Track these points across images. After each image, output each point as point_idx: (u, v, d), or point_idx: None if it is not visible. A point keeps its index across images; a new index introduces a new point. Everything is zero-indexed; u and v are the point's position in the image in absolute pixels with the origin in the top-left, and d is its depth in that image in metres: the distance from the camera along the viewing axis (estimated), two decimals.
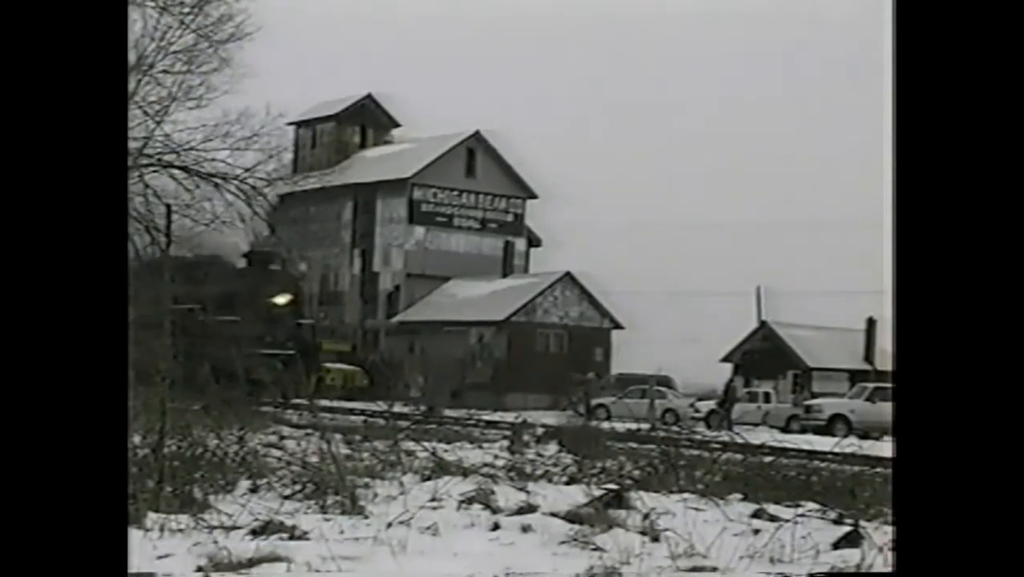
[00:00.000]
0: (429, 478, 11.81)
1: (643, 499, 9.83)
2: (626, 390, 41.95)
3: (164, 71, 19.42)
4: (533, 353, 48.26)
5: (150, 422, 10.72)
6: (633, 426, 26.26)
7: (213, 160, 19.89)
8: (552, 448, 16.55)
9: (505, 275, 52.03)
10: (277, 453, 13.37)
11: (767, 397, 42.39)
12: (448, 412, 28.46)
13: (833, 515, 9.61)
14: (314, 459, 11.68)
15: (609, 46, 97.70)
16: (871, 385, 37.33)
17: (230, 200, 20.22)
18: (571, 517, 9.10)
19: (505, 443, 17.21)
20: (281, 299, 40.55)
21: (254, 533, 8.23)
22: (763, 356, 49.91)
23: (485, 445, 17.13)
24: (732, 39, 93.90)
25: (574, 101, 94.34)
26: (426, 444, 14.94)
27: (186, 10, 19.22)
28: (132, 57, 17.99)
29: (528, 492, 10.31)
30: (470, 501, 9.83)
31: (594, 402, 40.77)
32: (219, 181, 20.04)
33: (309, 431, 14.51)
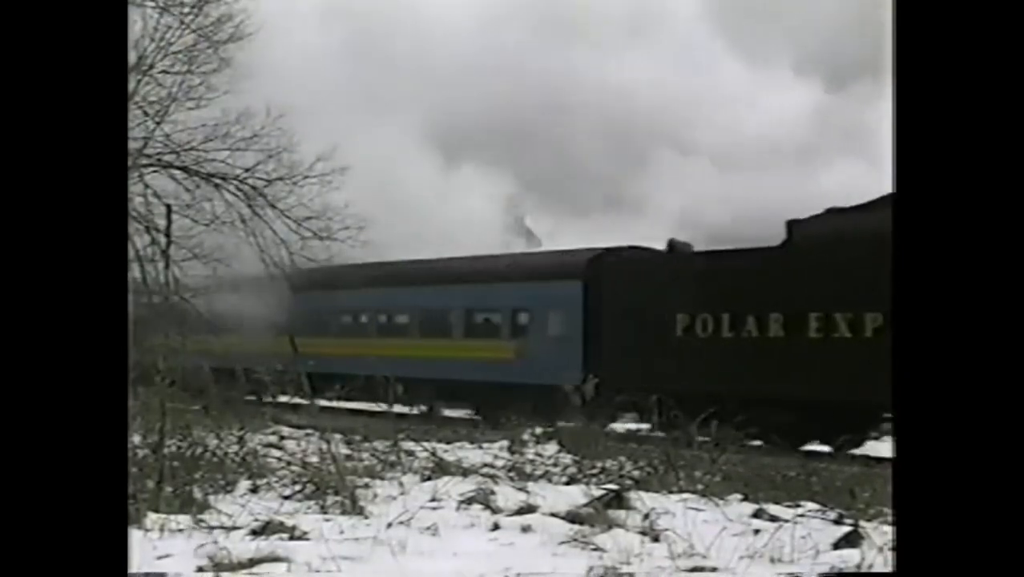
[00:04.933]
0: (429, 478, 11.81)
1: (643, 499, 9.82)
2: None
3: (164, 71, 19.37)
4: None
5: (150, 422, 10.73)
6: (633, 426, 26.10)
7: (213, 160, 19.86)
8: (552, 448, 16.53)
9: None
10: (277, 453, 13.39)
11: None
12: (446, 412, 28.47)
13: (833, 515, 9.61)
14: (314, 459, 11.68)
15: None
16: None
17: (230, 200, 20.20)
18: (571, 517, 9.10)
19: (505, 443, 17.17)
20: None
21: (254, 533, 8.23)
22: None
23: (485, 445, 17.10)
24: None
25: None
26: (425, 444, 14.95)
27: (186, 10, 19.19)
28: (132, 57, 17.97)
29: (528, 492, 10.30)
30: (470, 501, 9.82)
31: None
32: (219, 181, 20.02)
33: (309, 431, 14.50)
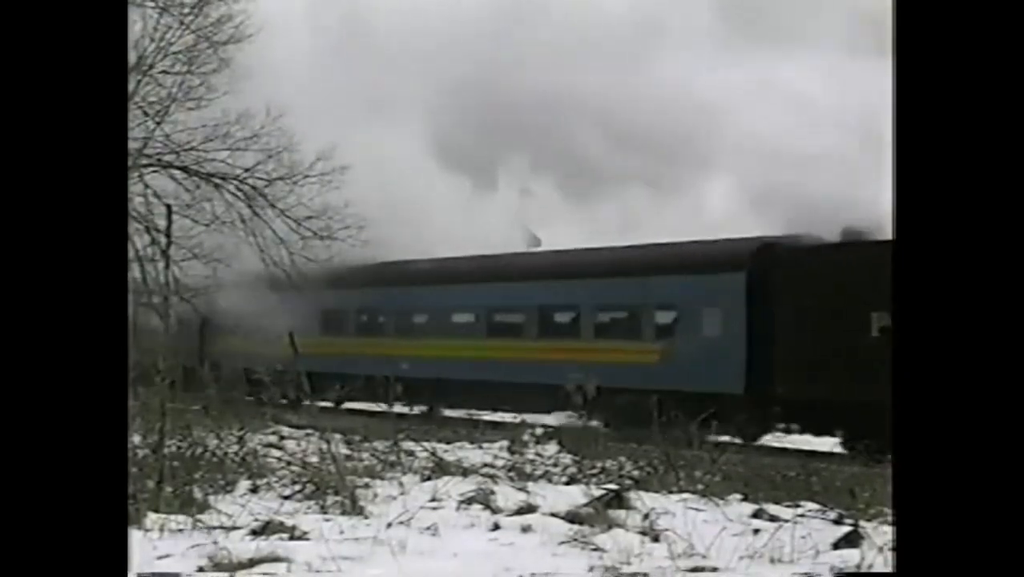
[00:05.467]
0: (429, 478, 11.82)
1: (643, 499, 9.83)
2: None
3: (164, 72, 19.41)
4: None
5: (150, 422, 10.74)
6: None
7: (213, 160, 19.90)
8: (552, 448, 16.56)
9: None
10: (277, 453, 13.40)
11: None
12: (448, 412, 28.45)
13: (833, 515, 9.61)
14: (314, 459, 11.69)
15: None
16: None
17: (230, 200, 20.25)
18: (571, 517, 9.10)
19: (505, 443, 17.20)
20: None
21: (254, 533, 8.23)
22: None
23: (485, 445, 17.13)
24: None
25: None
26: (425, 444, 14.97)
27: (186, 11, 19.23)
28: (132, 57, 17.99)
29: (528, 492, 10.31)
30: (470, 501, 9.83)
31: None
32: (219, 181, 20.06)
33: (309, 431, 14.52)
